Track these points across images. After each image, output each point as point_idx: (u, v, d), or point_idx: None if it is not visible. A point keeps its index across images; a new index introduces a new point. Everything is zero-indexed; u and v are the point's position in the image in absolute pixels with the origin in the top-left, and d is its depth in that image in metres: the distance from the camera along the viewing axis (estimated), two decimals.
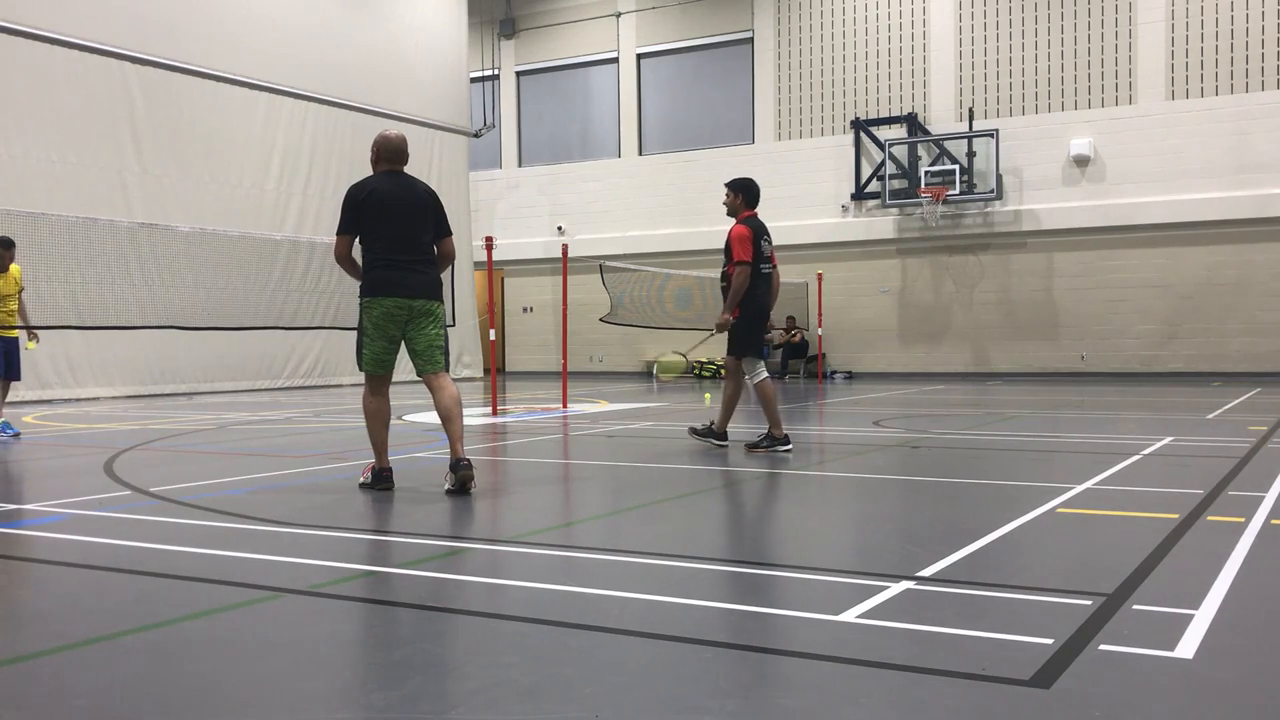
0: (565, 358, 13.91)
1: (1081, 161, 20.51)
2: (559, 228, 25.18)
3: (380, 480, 6.10)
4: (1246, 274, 19.48)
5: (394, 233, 6.00)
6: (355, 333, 6.16)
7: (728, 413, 8.25)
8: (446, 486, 5.95)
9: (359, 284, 6.13)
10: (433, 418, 11.72)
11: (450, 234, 6.35)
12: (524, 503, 5.72)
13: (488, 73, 25.91)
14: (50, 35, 15.78)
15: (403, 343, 6.15)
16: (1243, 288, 19.51)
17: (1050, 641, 3.03)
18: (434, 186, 6.63)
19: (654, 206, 24.37)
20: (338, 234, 6.09)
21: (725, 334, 8.12)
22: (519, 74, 26.44)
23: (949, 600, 3.57)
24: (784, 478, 6.71)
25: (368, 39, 21.05)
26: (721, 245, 8.38)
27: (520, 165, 26.32)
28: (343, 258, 6.07)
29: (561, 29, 25.72)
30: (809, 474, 6.86)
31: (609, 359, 24.61)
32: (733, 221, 8.18)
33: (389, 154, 6.17)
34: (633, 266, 19.47)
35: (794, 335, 22.11)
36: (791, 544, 4.93)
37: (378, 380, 6.16)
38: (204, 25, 17.99)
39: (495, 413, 12.08)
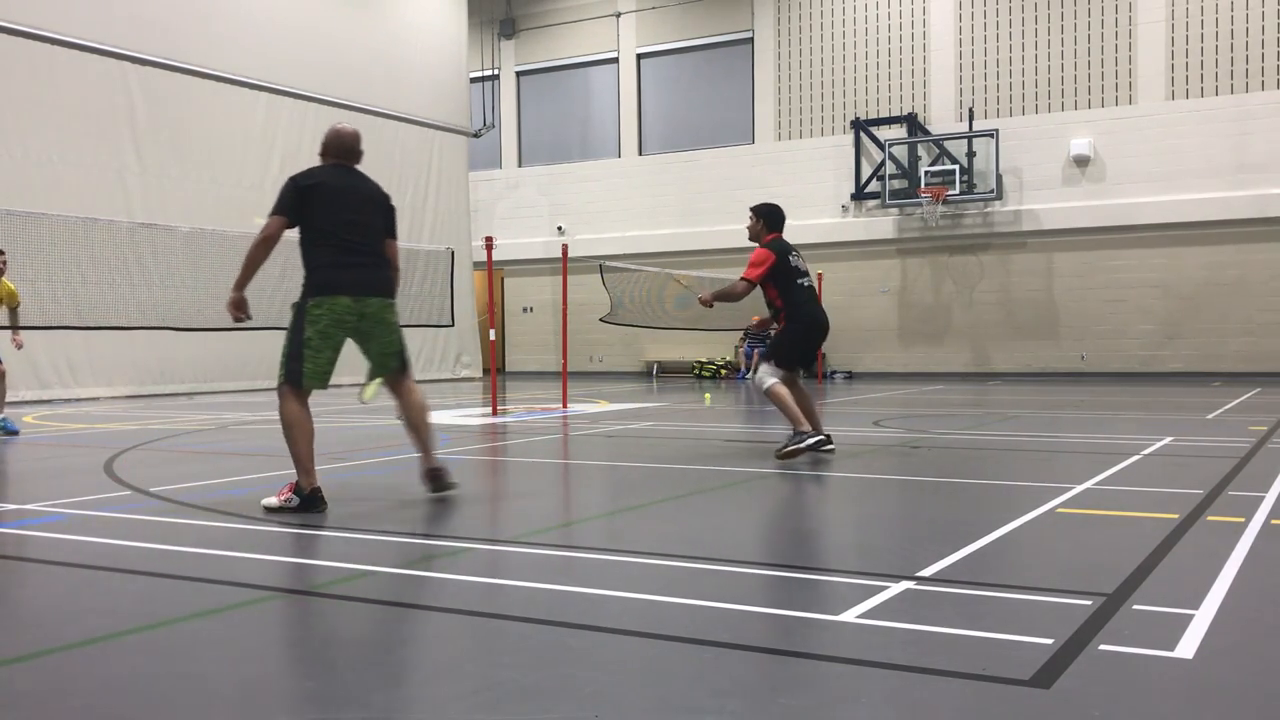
0: (565, 358, 13.91)
1: (1081, 161, 20.51)
2: (559, 228, 25.17)
3: (312, 502, 5.36)
4: (1246, 274, 19.48)
5: (342, 228, 5.53)
6: (286, 342, 5.52)
7: (808, 411, 7.73)
8: (428, 492, 5.75)
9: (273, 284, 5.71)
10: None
11: (396, 238, 5.87)
12: (524, 503, 5.72)
13: (488, 73, 25.90)
14: (50, 35, 15.78)
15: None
16: (1243, 288, 19.50)
17: (1050, 641, 3.02)
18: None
19: (654, 206, 24.37)
20: (271, 214, 5.50)
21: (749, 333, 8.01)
22: (519, 74, 26.43)
23: (949, 600, 3.57)
24: (784, 478, 6.70)
25: (368, 39, 21.04)
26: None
27: (520, 165, 26.32)
28: (270, 239, 5.48)
29: (561, 29, 25.71)
30: (809, 474, 6.85)
31: (609, 359, 24.61)
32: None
33: (338, 148, 5.73)
34: (633, 266, 19.46)
35: None
36: (791, 544, 4.93)
37: (307, 392, 5.55)
38: (204, 25, 17.99)
39: (495, 413, 12.08)
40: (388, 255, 5.80)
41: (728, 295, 7.94)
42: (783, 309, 7.82)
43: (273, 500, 5.43)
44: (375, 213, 5.75)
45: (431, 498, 5.72)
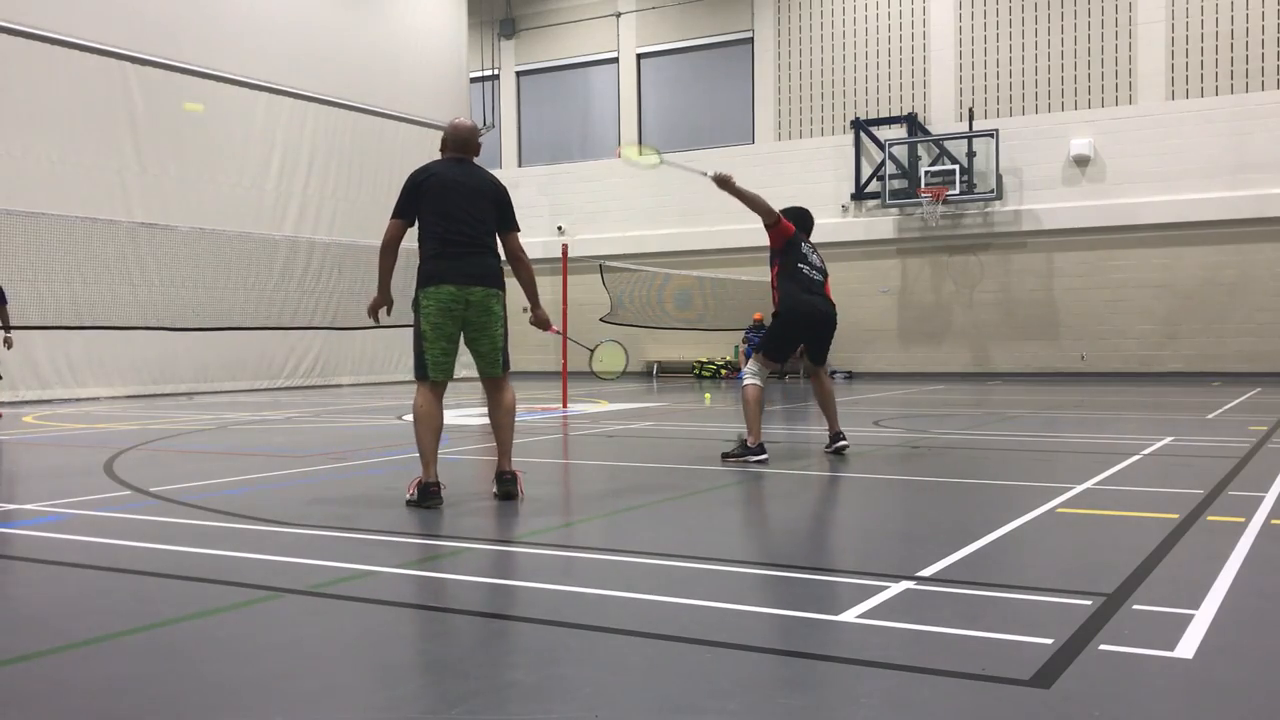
0: (565, 358, 13.91)
1: (1081, 161, 20.51)
2: (559, 228, 25.17)
3: (428, 496, 5.47)
4: (1246, 274, 19.48)
5: (449, 219, 5.56)
6: (414, 339, 5.65)
7: (828, 412, 7.80)
8: (494, 491, 5.81)
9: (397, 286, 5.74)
10: None
11: (516, 229, 5.91)
12: (524, 503, 5.71)
13: (488, 73, 25.91)
14: (50, 35, 15.78)
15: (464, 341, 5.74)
16: (1242, 288, 19.51)
17: (1050, 641, 3.02)
18: None
19: (654, 206, 24.36)
20: (391, 218, 5.66)
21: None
22: (519, 74, 26.44)
23: (949, 600, 3.57)
24: (784, 478, 6.70)
25: (368, 39, 21.05)
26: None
27: (520, 165, 26.32)
28: (390, 243, 5.62)
29: (561, 29, 25.72)
30: (809, 474, 6.85)
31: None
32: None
33: (455, 142, 5.89)
34: (633, 266, 19.46)
35: None
36: (792, 544, 4.93)
37: (437, 385, 5.64)
38: (204, 25, 18.00)
39: None
40: (509, 247, 5.87)
41: (753, 199, 7.37)
42: (777, 290, 7.64)
43: (408, 495, 5.59)
44: (485, 204, 5.78)
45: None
